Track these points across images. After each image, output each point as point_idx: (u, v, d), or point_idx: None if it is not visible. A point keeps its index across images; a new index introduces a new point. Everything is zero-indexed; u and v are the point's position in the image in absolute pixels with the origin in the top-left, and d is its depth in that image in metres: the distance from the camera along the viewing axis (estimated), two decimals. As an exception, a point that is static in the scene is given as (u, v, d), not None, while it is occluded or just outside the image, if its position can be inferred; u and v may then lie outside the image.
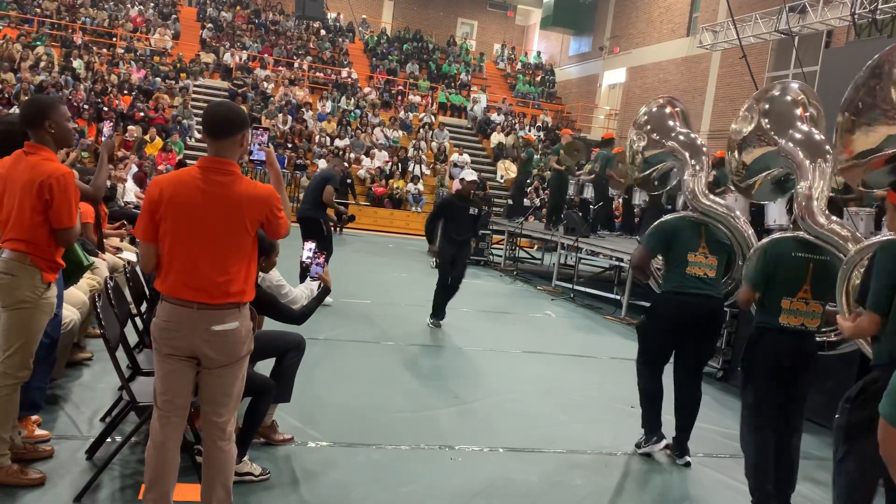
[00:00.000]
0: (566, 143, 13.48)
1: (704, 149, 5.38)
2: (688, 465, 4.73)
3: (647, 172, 5.69)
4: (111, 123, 4.29)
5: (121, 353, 3.78)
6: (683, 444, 4.80)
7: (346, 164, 10.65)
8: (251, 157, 3.13)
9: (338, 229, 11.51)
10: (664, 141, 5.50)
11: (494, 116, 25.87)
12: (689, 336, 4.72)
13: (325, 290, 3.92)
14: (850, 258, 3.37)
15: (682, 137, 5.44)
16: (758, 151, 4.53)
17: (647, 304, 5.15)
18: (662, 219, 5.00)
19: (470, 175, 8.16)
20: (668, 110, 5.65)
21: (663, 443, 4.79)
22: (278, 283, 4.00)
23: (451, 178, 21.49)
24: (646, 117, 5.67)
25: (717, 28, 19.53)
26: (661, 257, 4.96)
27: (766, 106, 4.52)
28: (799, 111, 4.38)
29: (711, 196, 5.02)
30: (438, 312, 8.23)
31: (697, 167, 5.22)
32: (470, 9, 33.64)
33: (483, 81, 29.58)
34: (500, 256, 14.70)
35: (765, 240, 4.09)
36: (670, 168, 5.57)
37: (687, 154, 5.31)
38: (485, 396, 5.73)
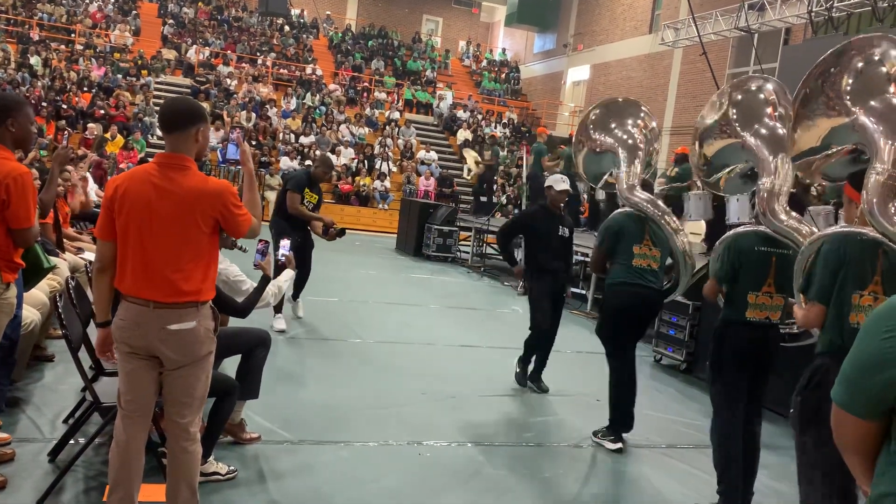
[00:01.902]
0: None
1: (641, 145, 5.46)
2: (620, 450, 4.84)
3: (600, 177, 5.80)
4: (65, 133, 4.24)
5: (83, 354, 3.73)
6: (618, 432, 4.97)
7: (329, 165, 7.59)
8: (227, 157, 3.13)
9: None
10: (605, 137, 5.60)
11: (460, 113, 25.90)
12: (631, 323, 5.00)
13: (264, 280, 3.86)
14: (804, 249, 3.45)
15: (618, 134, 5.53)
16: (719, 144, 4.60)
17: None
18: (607, 219, 5.20)
19: (560, 183, 5.87)
20: (629, 110, 5.74)
21: (619, 445, 4.88)
22: (237, 279, 3.93)
23: (418, 174, 21.50)
24: (591, 123, 5.76)
25: (679, 25, 19.77)
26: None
27: (739, 97, 4.60)
28: (769, 109, 4.46)
29: (640, 192, 5.16)
30: (527, 364, 6.17)
31: (630, 164, 5.33)
32: (435, 5, 33.62)
33: (449, 78, 29.58)
34: (468, 253, 14.74)
35: (728, 234, 4.17)
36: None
37: (621, 151, 5.41)
38: (452, 392, 5.75)
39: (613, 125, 5.60)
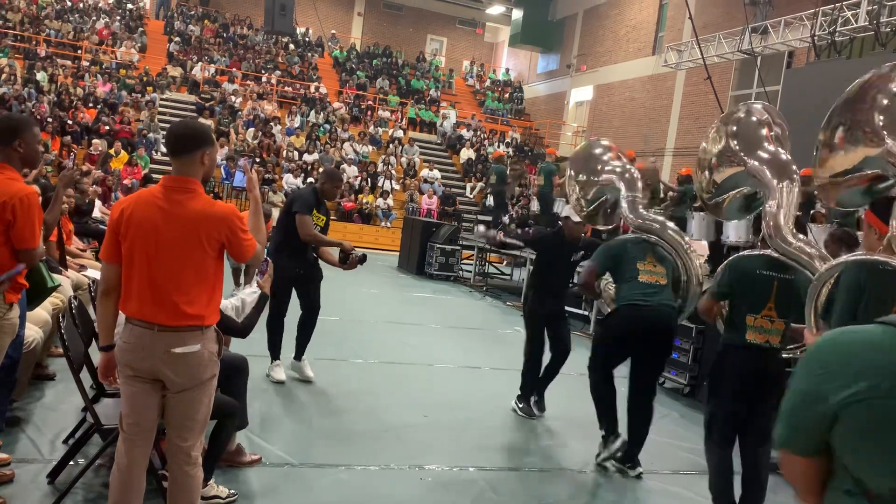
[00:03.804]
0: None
1: (637, 176, 5.58)
2: (639, 476, 4.80)
3: (592, 210, 5.86)
4: (71, 153, 4.25)
5: (85, 374, 3.71)
6: (634, 457, 4.89)
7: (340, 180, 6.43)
8: (234, 184, 3.12)
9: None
10: (596, 178, 5.72)
11: (464, 132, 25.99)
12: (643, 349, 4.88)
13: (263, 298, 3.82)
14: (820, 274, 3.44)
15: (616, 169, 5.66)
16: (728, 171, 4.62)
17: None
18: (608, 241, 5.27)
19: (577, 215, 5.75)
20: (596, 150, 5.90)
21: (620, 440, 4.86)
22: None
23: (421, 193, 21.53)
24: (577, 166, 5.94)
25: (682, 48, 19.87)
26: (611, 278, 5.16)
27: (734, 128, 4.61)
28: (764, 131, 4.48)
29: (644, 212, 5.24)
30: (529, 394, 6.02)
31: (631, 189, 5.44)
32: (439, 25, 33.84)
33: (452, 97, 29.73)
34: (470, 272, 14.73)
35: (734, 256, 4.18)
36: (612, 202, 5.76)
37: (620, 184, 5.51)
38: (453, 414, 5.71)
39: (599, 167, 5.72)
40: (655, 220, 5.14)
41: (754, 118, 4.58)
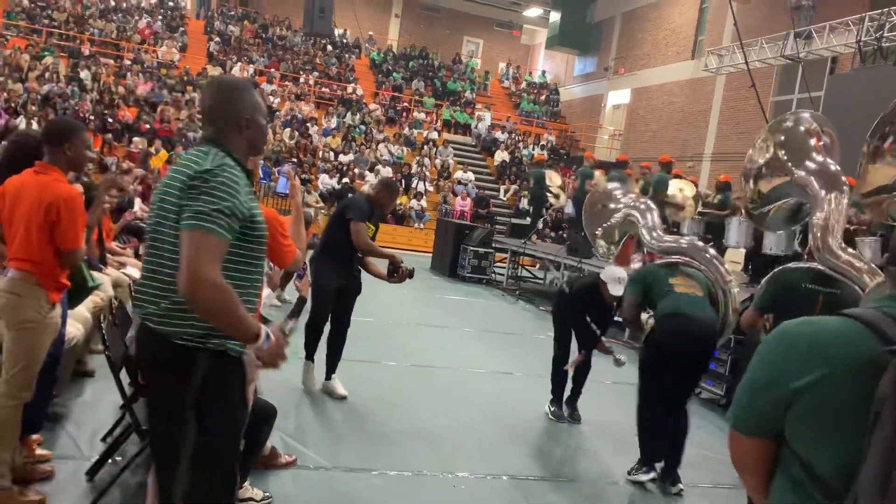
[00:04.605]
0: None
1: (653, 207, 5.88)
2: (680, 493, 4.68)
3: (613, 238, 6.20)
4: (109, 151, 4.33)
5: (123, 373, 3.75)
6: (674, 473, 4.75)
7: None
8: (277, 190, 3.13)
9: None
10: (614, 214, 6.15)
11: (499, 135, 25.93)
12: (685, 363, 4.70)
13: (301, 302, 3.84)
14: (871, 288, 3.36)
15: (629, 202, 6.06)
16: (776, 181, 4.53)
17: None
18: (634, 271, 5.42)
19: (615, 285, 5.46)
20: (608, 188, 6.50)
21: (652, 475, 4.74)
22: None
23: (455, 194, 21.52)
24: (595, 204, 6.49)
25: (723, 52, 19.60)
26: (650, 310, 5.15)
27: (782, 137, 4.53)
28: (813, 141, 4.39)
29: (665, 236, 5.44)
30: (560, 396, 6.07)
31: (649, 221, 5.72)
32: (476, 27, 33.82)
33: (488, 99, 29.69)
34: (503, 275, 14.67)
35: (778, 268, 4.10)
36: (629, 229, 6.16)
37: (637, 214, 5.78)
38: (487, 420, 5.68)
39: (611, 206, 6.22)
40: (683, 242, 5.15)
41: (802, 127, 4.48)
